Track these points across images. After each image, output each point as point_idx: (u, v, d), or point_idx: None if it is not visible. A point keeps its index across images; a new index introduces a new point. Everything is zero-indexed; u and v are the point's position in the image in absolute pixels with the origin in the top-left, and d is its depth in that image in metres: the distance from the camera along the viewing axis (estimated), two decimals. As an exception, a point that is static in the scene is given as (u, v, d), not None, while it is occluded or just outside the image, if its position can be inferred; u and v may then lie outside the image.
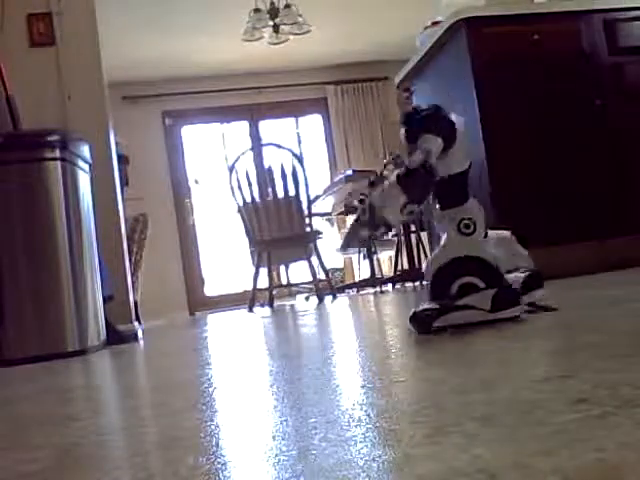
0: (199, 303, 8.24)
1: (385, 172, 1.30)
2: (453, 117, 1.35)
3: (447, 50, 3.17)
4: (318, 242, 5.18)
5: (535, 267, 1.42)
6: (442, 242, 1.37)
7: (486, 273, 1.32)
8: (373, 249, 5.89)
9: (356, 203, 1.16)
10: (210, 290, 8.46)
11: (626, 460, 0.44)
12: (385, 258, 7.51)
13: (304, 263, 5.22)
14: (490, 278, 1.32)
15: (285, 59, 8.11)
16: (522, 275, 1.39)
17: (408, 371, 1.02)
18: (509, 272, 1.39)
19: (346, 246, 1.51)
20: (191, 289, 8.28)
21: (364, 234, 1.34)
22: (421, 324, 1.34)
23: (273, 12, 5.99)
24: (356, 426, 0.66)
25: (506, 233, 1.49)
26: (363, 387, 0.91)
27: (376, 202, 1.30)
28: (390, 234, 1.31)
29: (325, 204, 6.05)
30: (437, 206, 1.38)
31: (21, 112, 3.17)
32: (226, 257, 8.40)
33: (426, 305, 1.35)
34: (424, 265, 1.40)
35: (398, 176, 1.29)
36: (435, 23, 3.43)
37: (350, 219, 7.80)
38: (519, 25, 2.99)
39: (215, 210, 8.40)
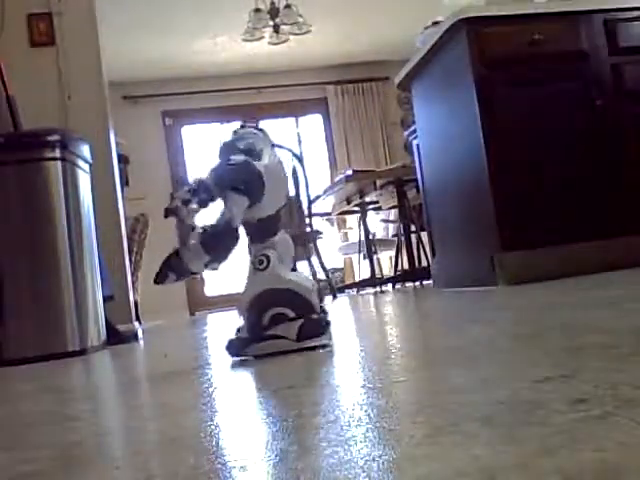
0: (199, 303, 8.24)
1: (178, 203, 1.36)
2: (266, 159, 1.42)
3: (447, 50, 3.17)
4: (318, 242, 5.18)
5: (324, 316, 1.47)
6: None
7: (296, 303, 1.41)
8: (373, 249, 5.89)
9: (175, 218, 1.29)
10: (210, 290, 8.45)
11: (626, 460, 0.44)
12: (385, 258, 7.51)
13: (304, 263, 5.22)
14: (300, 308, 1.41)
15: (285, 59, 8.11)
16: (299, 323, 1.42)
17: (408, 371, 1.02)
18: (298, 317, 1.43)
19: (160, 281, 1.58)
20: (191, 289, 8.28)
21: (172, 277, 1.40)
22: (233, 352, 1.44)
23: (273, 12, 5.99)
24: (356, 426, 0.66)
25: (310, 281, 1.53)
26: (363, 387, 0.91)
27: (182, 254, 1.37)
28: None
29: (325, 204, 6.05)
30: (248, 241, 1.48)
31: (21, 112, 3.17)
32: (226, 257, 8.39)
33: (240, 334, 1.44)
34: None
35: (202, 235, 1.36)
36: (435, 23, 3.43)
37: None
38: (519, 25, 2.99)
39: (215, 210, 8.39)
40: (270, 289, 1.41)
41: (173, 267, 1.37)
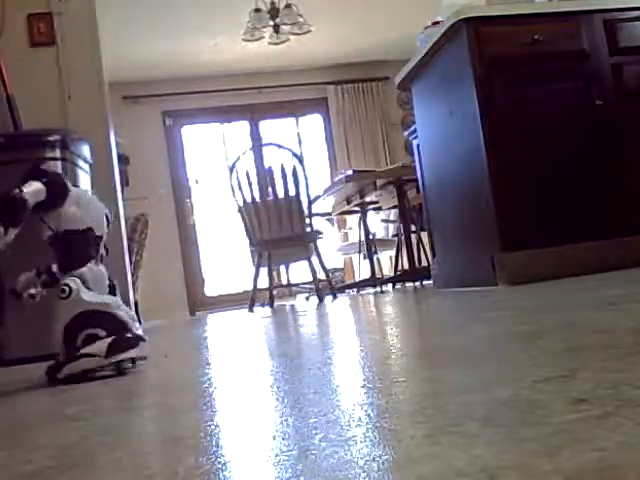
0: (199, 303, 8.24)
1: None
2: (81, 192, 1.59)
3: (447, 50, 3.17)
4: (318, 242, 5.19)
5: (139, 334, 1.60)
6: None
7: (108, 323, 1.52)
8: (373, 249, 5.89)
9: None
10: (210, 290, 8.45)
11: (626, 460, 0.44)
12: (385, 258, 7.51)
13: (304, 263, 5.22)
14: (112, 327, 1.52)
15: (285, 59, 8.10)
16: (108, 340, 1.53)
17: (408, 371, 1.02)
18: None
19: None
20: (191, 289, 8.28)
21: None
22: (49, 376, 1.53)
23: (273, 12, 5.99)
24: (356, 426, 0.66)
25: (122, 306, 1.64)
26: (363, 387, 0.91)
27: None
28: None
29: (325, 204, 6.05)
30: (55, 267, 1.56)
31: (21, 112, 3.17)
32: (226, 257, 8.39)
33: (56, 360, 1.54)
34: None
35: None
36: (435, 23, 3.43)
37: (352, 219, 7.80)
38: (519, 25, 2.99)
39: (215, 210, 8.40)
40: (80, 312, 1.51)
41: None
